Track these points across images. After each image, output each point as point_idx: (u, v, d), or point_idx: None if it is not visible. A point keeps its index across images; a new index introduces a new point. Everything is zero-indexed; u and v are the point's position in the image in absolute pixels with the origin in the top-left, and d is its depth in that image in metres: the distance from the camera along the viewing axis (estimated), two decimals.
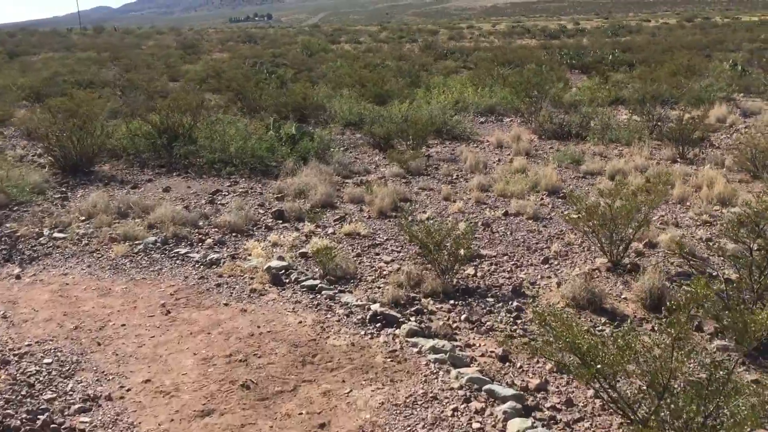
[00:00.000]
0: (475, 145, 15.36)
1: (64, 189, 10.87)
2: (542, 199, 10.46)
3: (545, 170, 11.71)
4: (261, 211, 9.78)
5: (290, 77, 26.39)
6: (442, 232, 6.86)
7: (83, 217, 8.94)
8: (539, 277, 7.12)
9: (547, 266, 7.44)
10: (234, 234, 8.58)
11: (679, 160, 13.09)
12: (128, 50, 47.10)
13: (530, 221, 9.21)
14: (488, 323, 5.94)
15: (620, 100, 20.63)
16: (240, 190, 11.10)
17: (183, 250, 7.72)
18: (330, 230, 8.82)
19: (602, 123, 15.77)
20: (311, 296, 6.50)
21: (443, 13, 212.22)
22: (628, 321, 5.92)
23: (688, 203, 9.99)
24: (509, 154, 14.03)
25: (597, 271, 7.20)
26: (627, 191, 7.22)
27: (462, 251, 6.65)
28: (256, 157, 12.53)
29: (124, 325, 5.93)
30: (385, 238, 8.55)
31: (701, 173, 11.45)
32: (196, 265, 7.37)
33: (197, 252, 7.77)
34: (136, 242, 7.90)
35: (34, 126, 12.31)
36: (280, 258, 7.38)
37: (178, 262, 7.47)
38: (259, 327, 5.81)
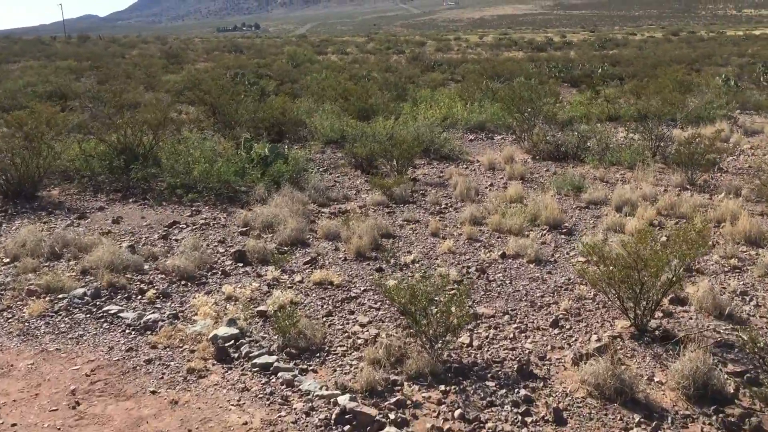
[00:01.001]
0: (464, 166, 14.13)
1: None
2: (543, 235, 9.17)
3: (544, 199, 10.46)
4: (220, 250, 8.43)
5: (272, 89, 25.10)
6: (430, 292, 5.54)
7: (7, 259, 7.55)
8: (549, 347, 5.80)
9: (557, 331, 6.12)
10: (183, 282, 7.22)
11: (688, 187, 11.88)
12: (110, 59, 45.60)
13: (532, 266, 7.90)
14: (489, 423, 4.60)
15: (614, 116, 19.48)
16: (201, 221, 9.75)
17: (115, 308, 6.31)
18: (298, 277, 7.48)
19: (601, 143, 14.58)
20: (264, 380, 5.12)
21: (431, 25, 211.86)
22: (669, 420, 4.62)
23: (710, 242, 8.75)
24: (502, 178, 12.78)
25: (619, 339, 5.89)
26: (655, 239, 5.95)
27: (455, 319, 5.33)
28: (222, 182, 11.19)
29: (15, 425, 4.55)
30: (362, 288, 7.22)
31: (719, 204, 10.24)
32: (127, 331, 5.97)
33: (132, 311, 6.37)
34: (60, 296, 6.51)
35: None
36: (232, 322, 6.01)
37: (105, 325, 6.07)
38: (190, 431, 4.46)
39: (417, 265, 7.97)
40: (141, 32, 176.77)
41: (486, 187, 12.21)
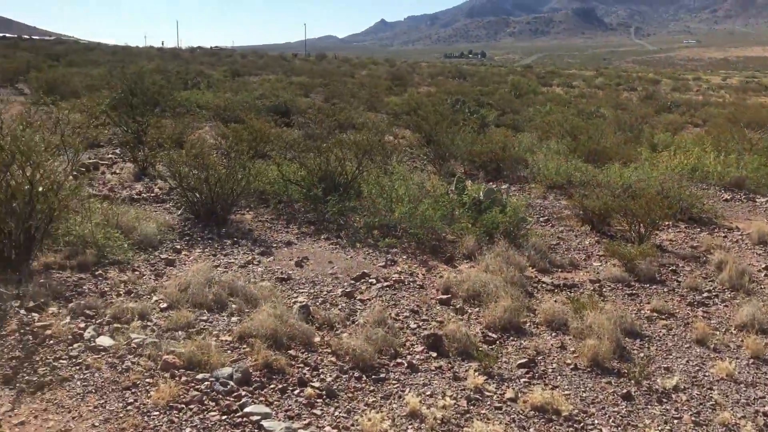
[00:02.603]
0: (721, 234, 11.16)
1: (178, 246, 8.50)
2: None
3: None
4: (412, 325, 6.61)
5: (492, 119, 23.30)
6: None
7: (164, 305, 6.34)
8: None
9: None
10: (357, 375, 5.47)
11: None
12: (339, 78, 46.91)
13: None
14: None
15: None
16: (395, 275, 8.04)
17: (259, 412, 4.61)
18: (509, 392, 5.38)
19: None
20: None
21: (666, 63, 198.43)
22: None
23: None
24: None
25: None
26: None
27: None
28: (426, 228, 9.46)
29: None
30: (602, 429, 4.95)
31: None
32: None
33: (282, 418, 4.63)
34: (200, 376, 5.03)
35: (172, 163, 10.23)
36: None
37: None
38: None
39: (682, 395, 5.52)
40: (373, 54, 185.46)
41: (760, 270, 9.28)
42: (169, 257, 7.95)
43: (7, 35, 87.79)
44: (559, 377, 5.74)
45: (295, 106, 23.74)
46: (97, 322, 5.74)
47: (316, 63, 79.02)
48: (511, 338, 6.49)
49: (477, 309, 7.12)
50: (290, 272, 7.89)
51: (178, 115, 17.23)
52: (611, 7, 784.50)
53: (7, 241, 6.46)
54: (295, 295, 7.12)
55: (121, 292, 6.55)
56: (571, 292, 7.96)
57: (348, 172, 11.13)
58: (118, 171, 12.91)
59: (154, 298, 6.48)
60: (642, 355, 6.35)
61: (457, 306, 7.17)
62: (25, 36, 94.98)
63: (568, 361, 6.04)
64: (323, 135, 16.32)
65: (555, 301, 7.43)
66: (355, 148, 11.84)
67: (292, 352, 5.66)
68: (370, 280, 7.84)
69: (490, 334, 6.51)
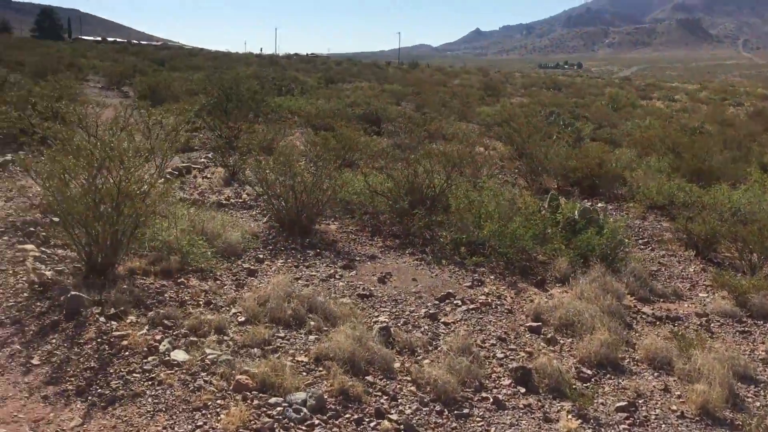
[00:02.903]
0: None
1: (261, 256, 8.37)
2: None
3: None
4: (498, 354, 6.16)
5: (588, 133, 22.36)
6: None
7: (242, 318, 6.16)
8: None
9: None
10: (438, 409, 5.08)
11: None
12: (431, 87, 46.60)
13: None
14: None
15: None
16: (482, 297, 7.61)
17: None
18: None
19: None
20: None
21: None
22: None
23: None
24: None
25: None
26: None
27: None
28: (516, 248, 8.97)
29: None
30: None
31: None
32: None
33: None
34: (273, 401, 4.76)
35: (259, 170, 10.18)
36: None
37: None
38: None
39: None
40: (466, 63, 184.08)
41: None
42: (252, 267, 7.82)
43: (118, 40, 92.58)
44: (663, 425, 5.16)
45: (385, 115, 23.57)
46: (174, 333, 5.61)
47: (408, 71, 79.07)
48: (608, 376, 5.94)
49: (570, 340, 6.60)
50: (372, 288, 7.60)
51: (270, 121, 17.38)
52: (718, 19, 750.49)
53: (94, 245, 6.46)
54: (376, 314, 6.81)
55: (201, 303, 6.43)
56: (674, 326, 7.30)
57: (436, 185, 10.77)
58: (209, 175, 13.05)
59: (233, 310, 6.31)
60: (758, 404, 5.67)
61: (548, 335, 6.66)
62: (134, 41, 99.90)
63: (674, 407, 5.44)
64: (412, 145, 16.05)
65: (657, 335, 6.81)
66: (444, 159, 11.49)
67: (370, 378, 5.33)
68: (455, 302, 7.45)
69: (584, 370, 5.98)
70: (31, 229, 7.92)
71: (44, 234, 7.80)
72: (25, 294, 6.09)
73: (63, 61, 35.95)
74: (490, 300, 7.58)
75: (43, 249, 7.28)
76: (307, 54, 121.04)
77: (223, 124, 15.00)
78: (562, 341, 6.58)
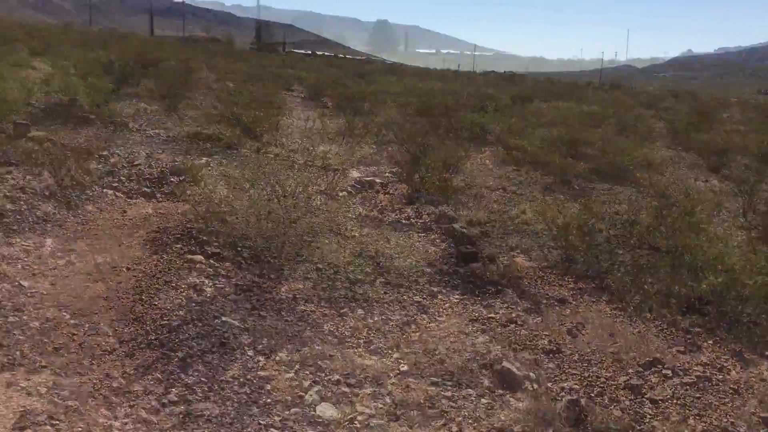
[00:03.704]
0: None
1: (435, 289, 7.45)
2: None
3: None
4: None
5: None
6: None
7: (405, 366, 5.27)
8: None
9: None
10: None
11: None
12: (631, 109, 43.25)
13: None
14: None
15: None
16: (696, 369, 6.14)
17: None
18: None
19: None
20: None
21: None
22: None
23: None
24: None
25: None
26: None
27: None
28: (750, 306, 7.28)
29: None
30: None
31: None
32: None
33: None
34: None
35: None
36: None
37: None
38: None
39: None
40: (675, 86, 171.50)
41: None
42: (423, 301, 6.97)
43: (326, 54, 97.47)
44: None
45: (581, 140, 21.84)
46: (326, 379, 4.88)
47: (609, 92, 74.66)
48: None
49: None
50: (560, 343, 6.41)
51: (460, 138, 16.63)
52: None
53: (258, 264, 5.98)
54: (563, 377, 5.65)
55: (361, 341, 5.68)
56: None
57: (639, 223, 9.26)
58: (391, 191, 12.49)
59: (395, 355, 5.49)
60: None
61: None
62: (340, 55, 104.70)
63: None
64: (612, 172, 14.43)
65: None
66: (651, 190, 9.94)
67: None
68: (663, 371, 6.04)
69: None
70: (204, 238, 7.70)
71: (216, 243, 7.54)
72: (181, 312, 5.70)
73: (271, 71, 38.10)
74: (708, 373, 6.08)
75: (212, 261, 6.97)
76: (504, 72, 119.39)
77: (410, 139, 14.47)
78: None
